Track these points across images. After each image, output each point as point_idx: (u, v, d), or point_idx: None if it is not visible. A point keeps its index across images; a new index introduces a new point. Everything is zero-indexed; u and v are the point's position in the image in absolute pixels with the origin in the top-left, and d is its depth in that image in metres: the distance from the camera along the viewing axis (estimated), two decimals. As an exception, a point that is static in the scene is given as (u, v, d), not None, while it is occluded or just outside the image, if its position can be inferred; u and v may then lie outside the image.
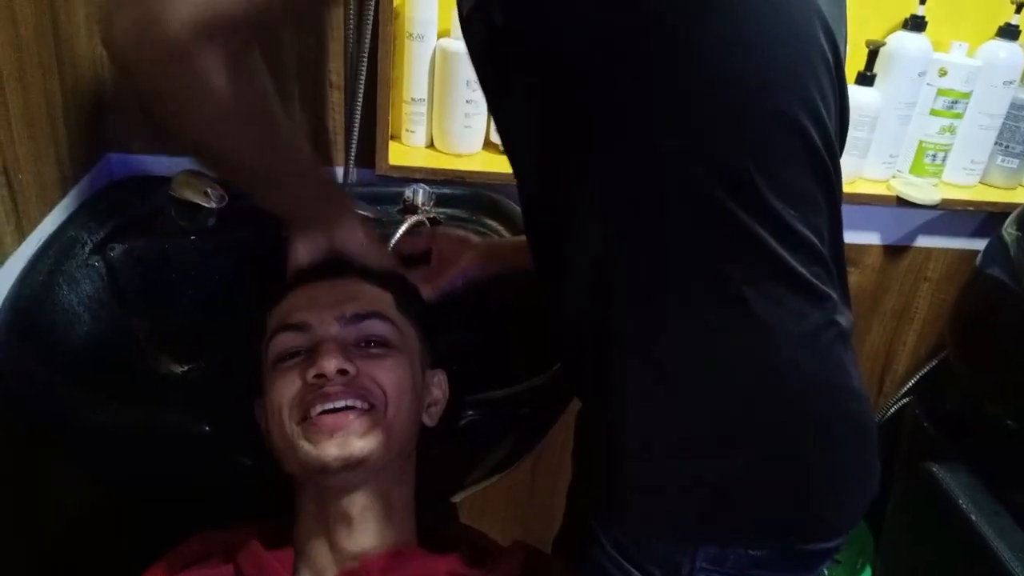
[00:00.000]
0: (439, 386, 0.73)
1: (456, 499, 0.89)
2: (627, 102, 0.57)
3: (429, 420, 0.71)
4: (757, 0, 0.56)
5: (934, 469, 1.14)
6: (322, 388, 0.62)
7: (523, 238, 0.75)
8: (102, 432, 0.70)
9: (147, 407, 0.70)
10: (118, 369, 0.87)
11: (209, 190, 0.92)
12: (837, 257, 0.65)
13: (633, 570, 0.67)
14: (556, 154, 0.62)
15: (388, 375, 0.65)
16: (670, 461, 0.63)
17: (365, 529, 0.65)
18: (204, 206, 0.93)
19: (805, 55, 0.59)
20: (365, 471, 0.63)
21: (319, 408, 0.62)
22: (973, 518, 1.05)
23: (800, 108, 0.58)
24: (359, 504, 0.65)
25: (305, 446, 0.62)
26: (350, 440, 0.61)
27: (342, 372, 0.62)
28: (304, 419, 0.62)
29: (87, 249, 0.90)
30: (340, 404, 0.62)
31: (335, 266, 0.72)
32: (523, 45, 0.59)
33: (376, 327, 0.67)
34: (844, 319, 0.64)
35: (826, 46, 0.61)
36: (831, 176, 0.62)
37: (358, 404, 0.63)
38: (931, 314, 1.43)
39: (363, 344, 0.66)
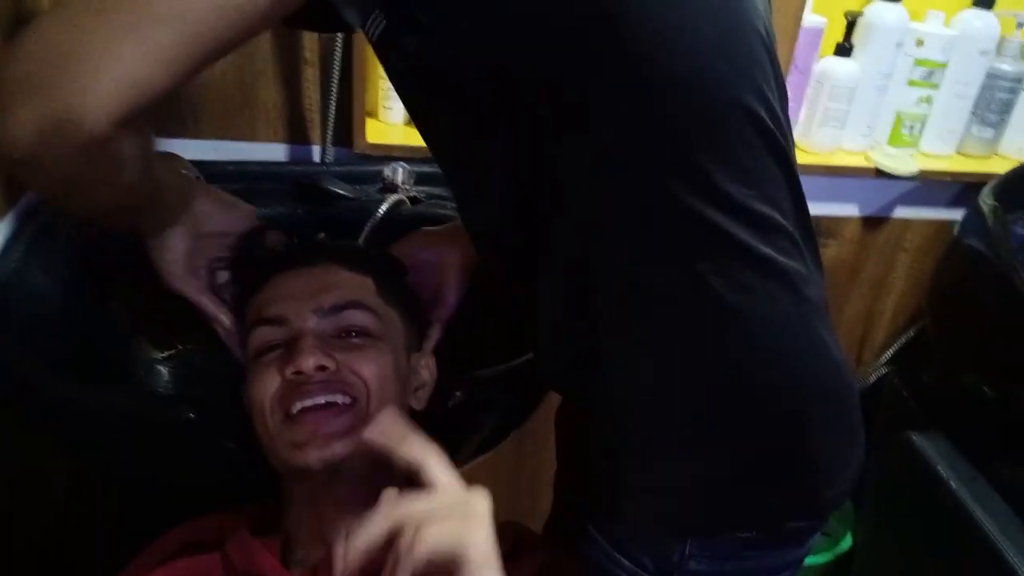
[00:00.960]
0: (427, 368, 0.73)
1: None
2: (574, 108, 0.55)
3: (417, 404, 0.71)
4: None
5: (913, 437, 1.16)
6: (302, 385, 0.61)
7: None
8: (84, 419, 0.69)
9: (130, 393, 0.70)
10: (98, 354, 0.85)
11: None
12: (803, 225, 0.64)
13: (624, 560, 0.67)
14: (504, 168, 0.60)
15: (369, 367, 0.64)
16: (658, 462, 0.63)
17: (353, 516, 0.65)
18: (179, 188, 0.91)
19: (745, 40, 0.58)
20: (350, 467, 0.63)
21: (299, 405, 0.61)
22: (952, 485, 1.07)
23: (747, 92, 0.57)
24: (347, 491, 0.64)
25: (288, 450, 0.61)
26: (331, 442, 0.61)
27: (321, 368, 0.61)
28: (286, 416, 0.62)
29: (62, 231, 0.88)
30: (320, 400, 0.61)
31: (313, 252, 0.70)
32: (447, 63, 0.56)
33: (355, 317, 0.66)
34: (816, 290, 0.64)
35: (758, 24, 0.60)
36: (784, 148, 0.61)
37: (339, 399, 0.62)
38: (909, 284, 1.45)
39: (343, 335, 0.65)
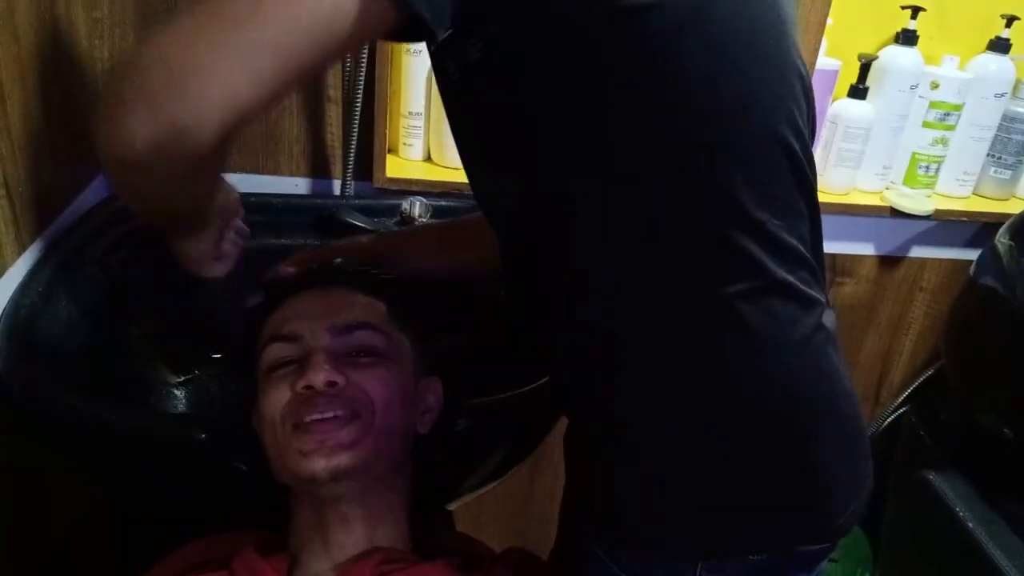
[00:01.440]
0: (433, 393, 0.74)
1: (452, 507, 0.90)
2: (615, 130, 0.57)
3: (423, 428, 0.72)
4: (739, 22, 0.57)
5: (930, 477, 1.14)
6: (311, 399, 0.63)
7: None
8: (100, 438, 0.71)
9: (145, 413, 0.71)
10: (118, 378, 0.87)
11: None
12: (818, 259, 0.66)
13: None
14: (537, 184, 0.62)
15: (377, 384, 0.66)
16: (670, 485, 0.63)
17: (358, 535, 0.66)
18: (202, 218, 0.94)
19: (782, 70, 0.60)
20: (355, 480, 0.64)
21: (308, 417, 0.63)
22: (970, 526, 1.05)
23: (782, 122, 0.59)
24: (352, 510, 0.66)
25: (295, 458, 0.63)
26: (338, 452, 0.63)
27: (331, 384, 0.63)
28: (294, 427, 0.64)
29: (87, 260, 0.91)
30: (328, 414, 0.63)
31: (329, 276, 0.73)
32: (504, 74, 0.58)
33: (366, 337, 0.68)
34: (829, 320, 0.65)
35: (796, 58, 0.62)
36: (810, 182, 0.63)
37: (346, 415, 0.64)
38: (926, 324, 1.44)
39: (353, 354, 0.67)
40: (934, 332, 1.44)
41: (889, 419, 1.43)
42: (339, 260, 0.80)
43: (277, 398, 0.65)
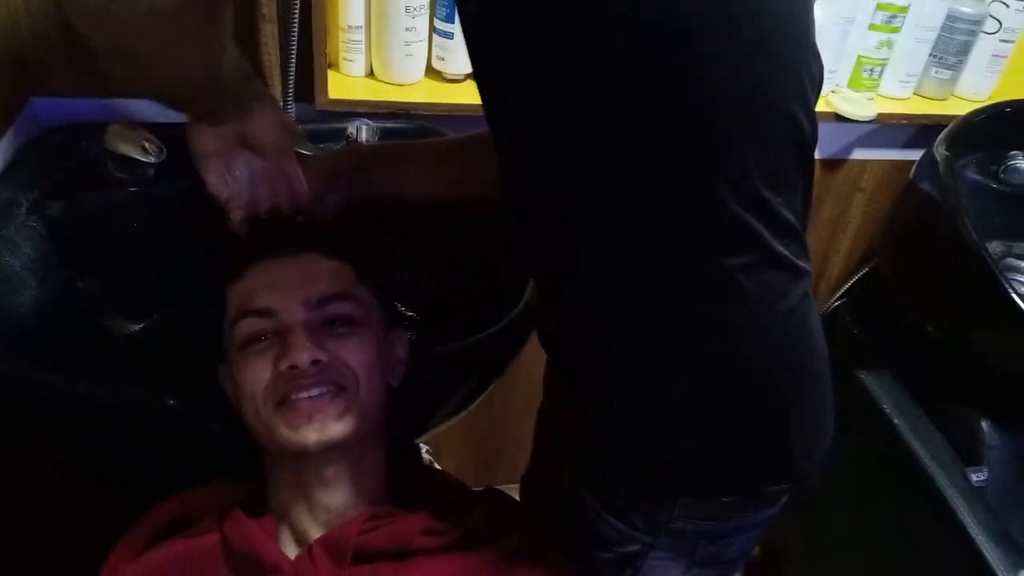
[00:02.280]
0: (401, 345, 0.75)
1: (418, 440, 0.93)
2: (645, 107, 0.55)
3: (394, 380, 0.74)
4: (772, 4, 0.56)
5: (861, 375, 1.22)
6: (295, 378, 0.64)
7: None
8: (62, 408, 0.71)
9: (109, 381, 0.71)
10: (72, 332, 0.86)
11: (146, 143, 0.90)
12: (804, 225, 0.67)
13: (614, 520, 0.71)
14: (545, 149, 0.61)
15: (357, 356, 0.67)
16: (653, 436, 0.67)
17: (341, 493, 0.69)
18: (142, 160, 0.90)
19: (801, 49, 0.59)
20: (343, 449, 0.66)
21: (294, 396, 0.64)
22: (895, 421, 1.14)
23: (797, 104, 0.59)
24: (334, 471, 0.68)
25: (285, 431, 0.64)
26: (328, 424, 0.64)
27: (315, 362, 0.64)
28: (280, 404, 0.65)
29: (23, 209, 0.87)
30: (315, 392, 0.64)
31: (294, 241, 0.71)
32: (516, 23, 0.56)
33: (341, 308, 0.68)
34: (809, 282, 0.67)
35: (811, 34, 0.61)
36: (811, 160, 0.64)
37: (332, 389, 0.65)
38: (864, 222, 1.49)
39: (329, 324, 0.68)
40: (870, 230, 1.49)
41: (825, 313, 1.50)
42: (300, 216, 0.78)
43: (257, 375, 0.65)
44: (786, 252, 0.62)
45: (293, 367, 0.64)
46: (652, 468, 0.68)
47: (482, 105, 0.64)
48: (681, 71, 0.54)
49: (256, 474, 0.74)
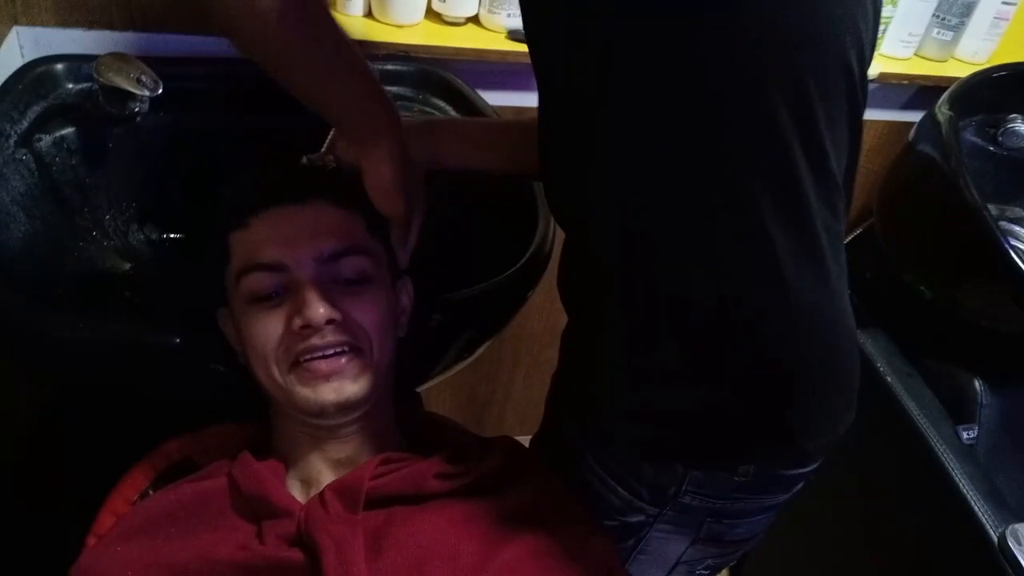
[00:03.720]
0: (406, 293, 0.74)
1: (420, 389, 0.92)
2: (687, 49, 0.54)
3: (401, 331, 0.72)
4: None
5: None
6: (310, 337, 0.62)
7: (459, 120, 0.76)
8: (64, 348, 0.68)
9: (115, 321, 0.69)
10: (64, 269, 0.83)
11: (142, 76, 0.86)
12: (848, 190, 0.65)
13: (618, 487, 0.71)
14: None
15: (370, 314, 0.65)
16: (663, 390, 0.65)
17: (353, 442, 0.68)
18: (136, 93, 0.87)
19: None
20: (357, 406, 0.65)
21: (309, 356, 0.63)
22: (887, 379, 1.15)
23: (851, 46, 0.57)
24: (348, 425, 0.67)
25: (302, 391, 0.63)
26: (345, 385, 0.63)
27: (330, 321, 0.62)
28: (295, 364, 0.63)
29: (11, 141, 0.83)
30: (328, 352, 0.63)
31: (303, 188, 0.68)
32: None
33: (354, 263, 0.66)
34: (841, 248, 0.66)
35: None
36: (860, 115, 0.62)
37: (346, 349, 0.64)
38: (860, 182, 1.49)
39: (341, 281, 0.66)
40: (866, 190, 1.49)
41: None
42: (305, 159, 0.74)
43: (268, 332, 0.63)
44: (827, 211, 0.60)
45: (306, 326, 0.62)
46: (658, 426, 0.67)
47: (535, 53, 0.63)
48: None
49: (258, 416, 0.73)
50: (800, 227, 0.59)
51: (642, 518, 0.72)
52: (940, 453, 1.04)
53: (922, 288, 1.22)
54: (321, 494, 0.65)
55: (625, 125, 0.59)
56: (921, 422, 1.08)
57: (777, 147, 0.57)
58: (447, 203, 0.86)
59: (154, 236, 0.93)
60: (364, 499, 0.64)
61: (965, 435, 1.08)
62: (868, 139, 1.44)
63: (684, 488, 0.69)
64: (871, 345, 1.20)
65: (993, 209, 1.29)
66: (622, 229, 0.63)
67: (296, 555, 0.61)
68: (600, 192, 0.63)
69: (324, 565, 0.59)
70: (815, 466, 0.72)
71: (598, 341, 0.69)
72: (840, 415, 0.70)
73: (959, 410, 1.10)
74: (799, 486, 0.74)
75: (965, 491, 1.00)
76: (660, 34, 0.54)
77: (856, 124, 0.62)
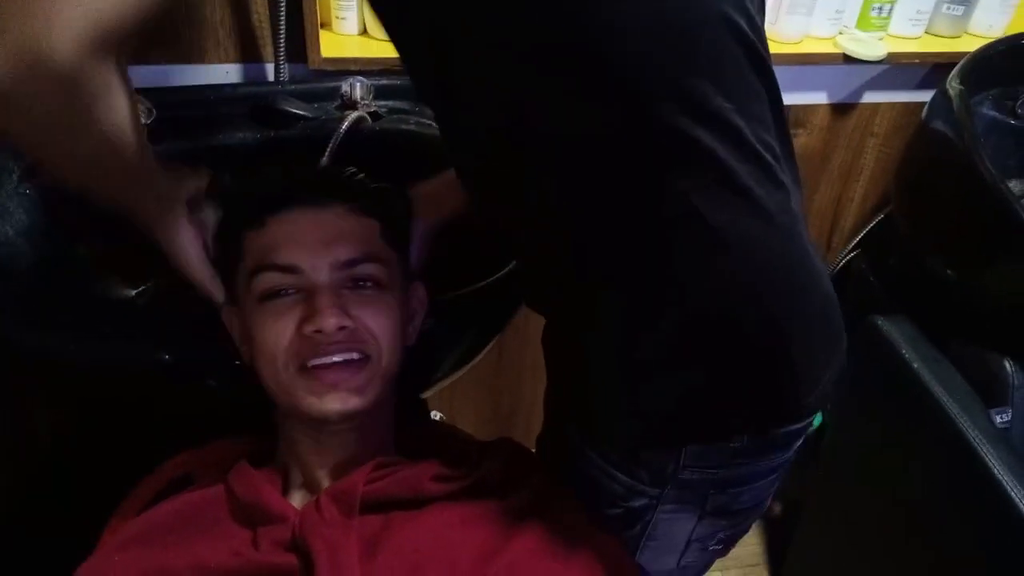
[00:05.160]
0: (417, 298, 0.74)
1: (426, 395, 0.92)
2: (573, 31, 0.53)
3: (410, 340, 0.72)
4: None
5: (878, 321, 1.19)
6: (320, 344, 0.63)
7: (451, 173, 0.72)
8: (61, 369, 0.70)
9: (107, 341, 0.70)
10: (69, 298, 0.85)
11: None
12: (783, 134, 0.64)
13: (620, 474, 0.69)
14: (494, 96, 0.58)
15: (380, 322, 0.66)
16: (652, 380, 0.64)
17: (352, 449, 0.68)
18: (132, 121, 0.88)
19: None
20: (362, 414, 0.66)
21: (316, 362, 0.63)
22: (915, 366, 1.11)
23: (733, 7, 0.56)
24: (350, 432, 0.67)
25: (308, 398, 0.64)
26: (351, 395, 0.64)
27: (341, 328, 0.63)
28: (301, 368, 0.63)
29: (15, 176, 0.86)
30: (338, 359, 0.64)
31: (321, 191, 0.68)
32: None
33: (367, 270, 0.66)
34: (796, 201, 0.64)
35: None
36: (764, 60, 0.60)
37: (355, 356, 0.64)
38: (878, 168, 1.46)
39: (354, 285, 0.66)
40: (885, 176, 1.45)
41: (840, 264, 1.47)
42: (323, 161, 0.74)
43: (278, 334, 0.64)
44: (753, 167, 0.59)
45: (318, 331, 0.62)
46: (650, 412, 0.65)
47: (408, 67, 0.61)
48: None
49: (256, 430, 0.73)
50: (747, 202, 0.58)
51: (645, 501, 0.70)
52: (973, 439, 0.99)
53: (946, 271, 1.18)
54: (317, 499, 0.65)
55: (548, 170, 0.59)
56: (952, 408, 1.03)
57: (694, 158, 0.56)
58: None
59: (156, 261, 0.94)
60: (360, 503, 0.64)
61: (999, 419, 1.03)
62: (883, 124, 1.41)
63: (682, 463, 0.67)
64: (895, 331, 1.16)
65: (1017, 184, 1.25)
66: (573, 244, 0.62)
67: (290, 560, 0.61)
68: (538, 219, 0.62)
69: (317, 569, 0.59)
70: (810, 419, 0.70)
71: (582, 341, 0.68)
72: (830, 360, 0.68)
73: (991, 394, 1.06)
74: (799, 442, 0.71)
75: (1001, 477, 0.96)
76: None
77: (763, 67, 0.60)
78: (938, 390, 1.05)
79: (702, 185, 0.57)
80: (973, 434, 1.00)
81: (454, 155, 0.66)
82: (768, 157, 0.61)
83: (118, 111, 0.54)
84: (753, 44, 0.58)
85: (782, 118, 0.64)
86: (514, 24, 0.52)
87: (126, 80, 0.54)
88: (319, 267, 0.64)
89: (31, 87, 0.48)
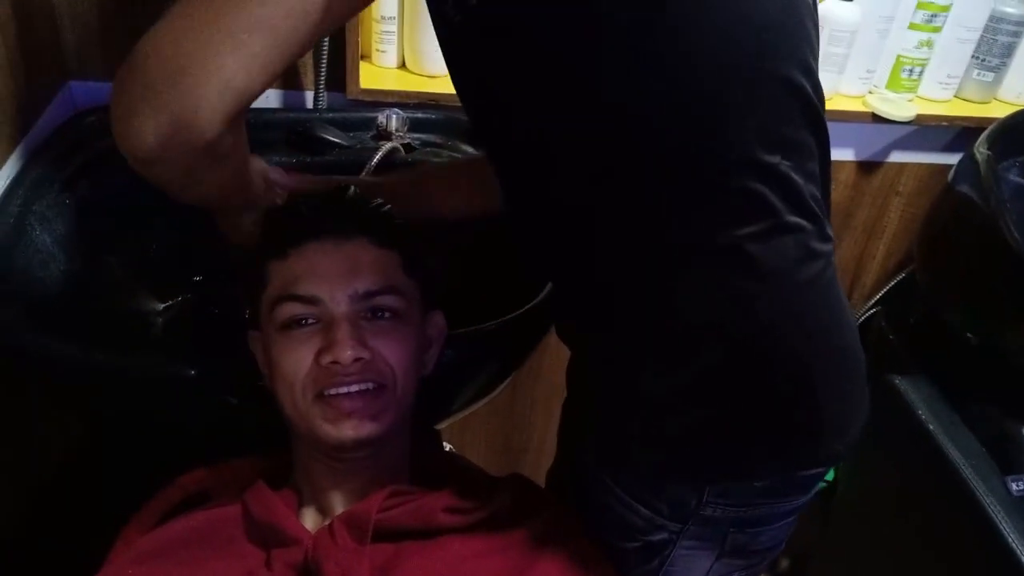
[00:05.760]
0: (436, 327, 0.74)
1: (440, 427, 0.92)
2: (619, 96, 0.56)
3: (426, 369, 0.73)
4: None
5: (896, 381, 1.18)
6: (337, 375, 0.64)
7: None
8: (83, 378, 0.71)
9: (130, 352, 0.71)
10: (97, 308, 0.86)
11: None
12: (826, 192, 0.66)
13: (639, 506, 0.69)
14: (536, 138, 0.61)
15: (397, 353, 0.67)
16: (677, 414, 0.64)
17: (367, 477, 0.69)
18: (173, 140, 0.90)
19: (798, 10, 0.59)
20: (377, 442, 0.66)
21: (333, 391, 0.64)
22: (930, 427, 1.10)
23: (796, 67, 0.58)
24: (365, 460, 0.68)
25: (324, 426, 0.65)
26: (365, 423, 0.65)
27: (358, 359, 0.64)
28: (319, 396, 0.65)
29: (56, 187, 0.88)
30: (354, 388, 0.65)
31: (346, 224, 0.69)
32: (492, 40, 0.57)
33: (387, 301, 0.67)
34: (831, 250, 0.65)
35: None
36: (820, 118, 0.63)
37: (371, 387, 0.65)
38: (901, 227, 1.46)
39: (372, 316, 0.67)
40: (908, 235, 1.46)
41: (860, 320, 1.47)
42: (352, 189, 0.75)
43: (297, 363, 0.65)
44: (800, 219, 0.61)
45: (335, 362, 0.64)
46: (676, 448, 0.66)
47: (473, 121, 0.67)
48: (647, 51, 0.54)
49: (273, 450, 0.74)
50: (765, 225, 0.60)
51: (665, 536, 0.70)
52: (988, 506, 0.99)
53: (967, 334, 1.18)
54: (330, 524, 0.65)
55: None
56: (967, 472, 1.03)
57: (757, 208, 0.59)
58: (465, 239, 0.88)
59: (186, 277, 0.96)
60: (372, 531, 0.64)
61: (1015, 487, 1.02)
62: (908, 183, 1.42)
63: (705, 499, 0.67)
64: (913, 391, 1.16)
65: (1042, 253, 1.25)
66: (597, 283, 0.65)
67: None
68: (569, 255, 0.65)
69: (328, 594, 0.59)
70: (833, 465, 0.71)
71: (604, 372, 0.69)
72: (857, 408, 0.69)
73: (1007, 460, 1.05)
74: (816, 486, 0.72)
75: (1015, 547, 0.95)
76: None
77: (819, 126, 0.63)
78: (954, 454, 1.05)
79: (758, 233, 0.59)
80: (988, 501, 1.00)
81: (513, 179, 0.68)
82: (819, 211, 0.62)
83: (240, 153, 0.63)
84: (811, 101, 0.61)
85: (828, 168, 0.66)
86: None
87: (240, 127, 0.61)
88: (339, 299, 0.66)
89: (179, 152, 0.55)
